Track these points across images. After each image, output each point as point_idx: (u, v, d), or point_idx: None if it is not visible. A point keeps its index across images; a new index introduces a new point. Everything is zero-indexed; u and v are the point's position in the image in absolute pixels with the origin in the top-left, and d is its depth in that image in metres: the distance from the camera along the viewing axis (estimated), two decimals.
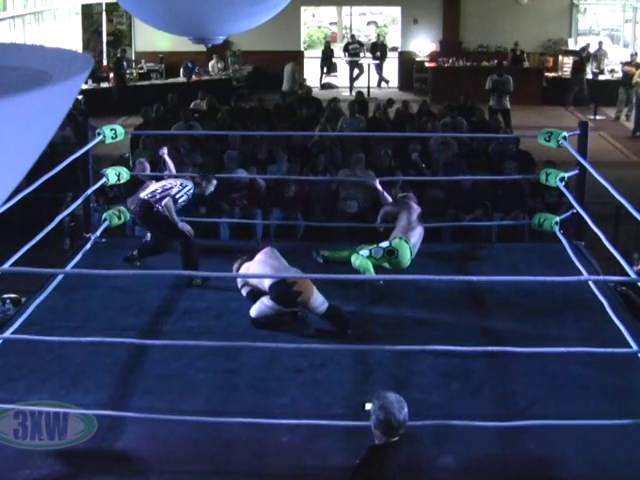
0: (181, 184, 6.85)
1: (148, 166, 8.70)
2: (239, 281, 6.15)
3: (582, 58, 18.60)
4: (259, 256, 6.08)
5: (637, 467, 4.46)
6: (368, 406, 3.85)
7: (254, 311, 5.90)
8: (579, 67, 18.57)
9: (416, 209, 7.00)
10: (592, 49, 19.25)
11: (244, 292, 6.12)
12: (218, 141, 11.26)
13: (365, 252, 6.63)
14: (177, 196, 6.77)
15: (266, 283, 5.81)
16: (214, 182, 7.02)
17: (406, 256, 6.69)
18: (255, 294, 6.00)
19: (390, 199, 7.36)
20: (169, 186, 6.84)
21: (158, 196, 6.76)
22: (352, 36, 22.21)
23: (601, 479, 4.44)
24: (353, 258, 6.62)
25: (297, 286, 5.71)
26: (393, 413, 3.67)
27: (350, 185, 9.36)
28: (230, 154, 10.28)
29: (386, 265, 6.68)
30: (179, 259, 6.72)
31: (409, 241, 6.74)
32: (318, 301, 5.79)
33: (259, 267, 5.98)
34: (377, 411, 3.71)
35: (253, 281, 5.99)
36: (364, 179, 8.88)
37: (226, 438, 4.70)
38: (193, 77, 18.95)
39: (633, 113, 17.05)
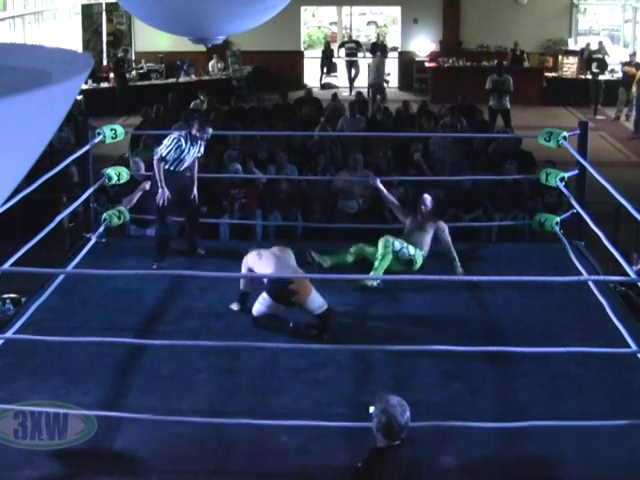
0: (173, 140, 6.86)
1: (143, 165, 8.71)
2: (243, 269, 6.11)
3: (603, 58, 18.59)
4: (272, 249, 6.13)
5: (637, 467, 4.46)
6: (372, 409, 3.85)
7: (255, 310, 5.92)
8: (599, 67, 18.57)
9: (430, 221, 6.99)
10: (592, 48, 19.25)
11: (241, 285, 6.11)
12: (217, 141, 11.25)
13: (397, 245, 6.62)
14: (164, 154, 6.82)
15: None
16: (209, 130, 6.99)
17: (416, 267, 6.72)
18: (245, 295, 6.06)
19: (394, 200, 7.33)
20: (161, 144, 6.96)
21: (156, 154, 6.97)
22: (350, 36, 22.19)
23: (601, 479, 4.44)
24: (383, 242, 6.60)
25: (294, 285, 5.71)
26: (395, 416, 3.67)
27: (350, 186, 9.37)
28: (230, 154, 10.29)
29: (393, 266, 6.65)
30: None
31: (425, 254, 6.80)
32: (315, 304, 5.78)
33: (266, 257, 5.98)
34: (379, 414, 3.70)
35: (257, 269, 5.97)
36: (365, 179, 8.88)
37: (226, 438, 4.70)
38: (192, 77, 18.95)
39: (633, 113, 17.05)
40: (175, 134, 6.95)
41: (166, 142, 6.89)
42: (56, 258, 7.24)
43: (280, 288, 5.76)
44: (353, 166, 9.48)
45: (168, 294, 6.50)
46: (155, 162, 6.89)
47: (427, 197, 7.06)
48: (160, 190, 6.87)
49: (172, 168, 6.88)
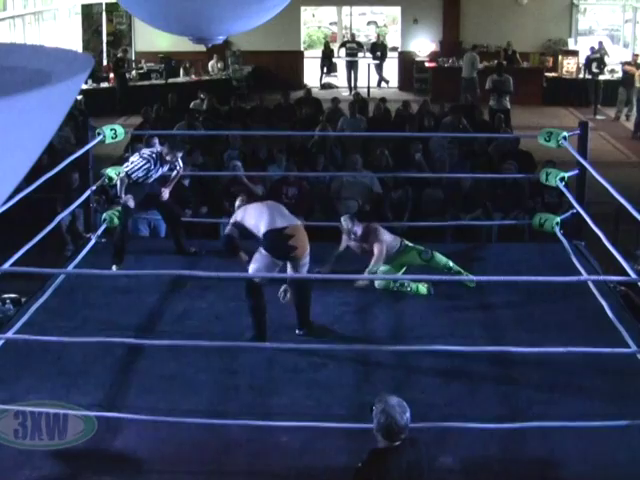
0: (142, 161, 6.90)
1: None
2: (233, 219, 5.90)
3: (602, 58, 18.57)
4: (264, 204, 5.92)
5: (637, 467, 4.45)
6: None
7: (250, 269, 5.72)
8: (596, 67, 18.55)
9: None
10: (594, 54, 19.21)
11: (227, 229, 5.92)
12: (217, 141, 11.27)
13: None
14: (130, 172, 6.89)
15: (262, 230, 5.66)
16: (179, 154, 7.05)
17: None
18: (235, 242, 5.85)
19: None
20: (130, 161, 7.03)
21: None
22: (352, 35, 22.18)
23: (601, 479, 4.44)
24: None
25: (292, 240, 5.59)
26: (394, 417, 3.66)
27: (350, 186, 9.37)
28: (230, 154, 10.29)
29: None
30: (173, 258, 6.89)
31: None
32: (306, 259, 5.74)
33: (256, 209, 5.80)
34: (379, 415, 3.70)
35: (249, 223, 5.76)
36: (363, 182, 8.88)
37: (226, 438, 4.70)
38: (193, 77, 18.93)
39: (633, 113, 17.04)
40: (146, 153, 6.98)
41: (135, 160, 6.95)
42: (57, 259, 7.24)
43: (278, 240, 5.58)
44: (351, 167, 9.49)
45: (168, 294, 6.50)
46: (119, 177, 6.97)
47: (344, 220, 6.64)
48: (123, 199, 6.96)
49: (136, 180, 6.96)
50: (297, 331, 5.80)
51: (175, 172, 7.17)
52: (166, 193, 7.18)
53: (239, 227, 5.85)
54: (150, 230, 8.79)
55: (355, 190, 9.34)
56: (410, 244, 6.69)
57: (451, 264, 6.58)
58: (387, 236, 6.62)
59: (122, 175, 6.96)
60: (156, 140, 8.03)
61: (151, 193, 7.10)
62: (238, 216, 5.92)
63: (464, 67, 18.28)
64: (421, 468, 3.83)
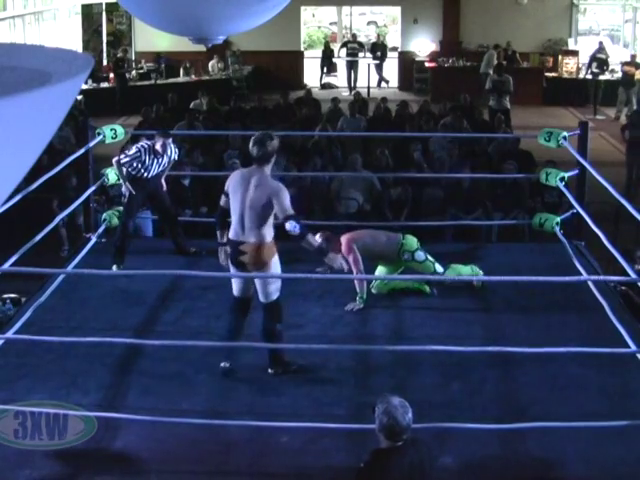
0: (134, 152, 6.87)
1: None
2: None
3: (605, 59, 18.55)
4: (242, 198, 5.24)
5: (636, 467, 4.45)
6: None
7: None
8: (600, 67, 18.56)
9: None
10: (592, 49, 19.20)
11: (221, 200, 5.45)
12: (217, 141, 11.28)
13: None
14: (122, 160, 6.88)
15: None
16: (169, 141, 6.96)
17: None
18: (224, 216, 5.45)
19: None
20: (128, 150, 7.04)
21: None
22: (353, 35, 22.17)
23: (601, 479, 4.44)
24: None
25: (244, 256, 5.22)
26: (396, 418, 3.67)
27: (349, 185, 9.37)
28: (230, 154, 10.30)
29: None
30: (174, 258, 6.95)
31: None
32: (270, 283, 5.31)
33: (234, 201, 5.25)
34: (380, 415, 3.70)
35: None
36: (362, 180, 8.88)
37: (226, 438, 4.69)
38: (193, 77, 18.92)
39: None
40: (139, 145, 6.98)
41: (128, 151, 6.96)
42: (54, 259, 7.24)
43: (232, 251, 5.29)
44: (351, 166, 9.49)
45: (168, 294, 6.50)
46: (115, 163, 6.94)
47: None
48: (124, 187, 6.97)
49: (136, 174, 6.93)
50: (269, 370, 5.34)
51: (167, 161, 7.07)
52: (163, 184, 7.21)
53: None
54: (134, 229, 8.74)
55: (356, 187, 9.34)
56: (413, 251, 6.36)
57: (465, 269, 6.49)
58: (370, 239, 6.39)
59: (115, 160, 6.91)
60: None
61: (151, 190, 7.09)
62: (228, 184, 5.40)
63: (484, 64, 18.42)
64: (423, 468, 3.83)
